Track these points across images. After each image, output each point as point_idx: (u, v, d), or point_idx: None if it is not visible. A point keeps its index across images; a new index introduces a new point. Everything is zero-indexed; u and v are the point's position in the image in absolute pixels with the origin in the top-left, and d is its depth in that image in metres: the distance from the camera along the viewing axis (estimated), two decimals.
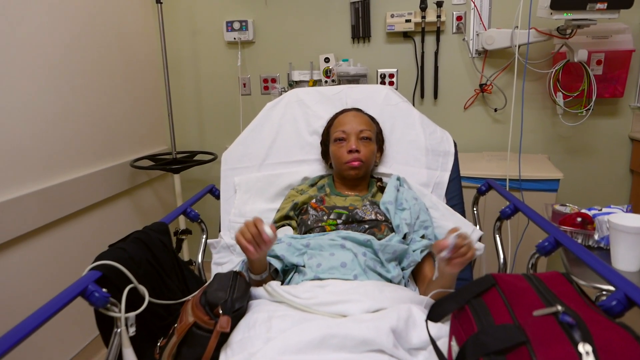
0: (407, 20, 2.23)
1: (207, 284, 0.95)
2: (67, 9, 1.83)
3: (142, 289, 0.95)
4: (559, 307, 0.62)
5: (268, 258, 1.11)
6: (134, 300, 0.92)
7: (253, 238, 0.94)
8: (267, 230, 0.95)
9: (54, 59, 1.75)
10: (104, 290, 0.86)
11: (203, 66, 2.56)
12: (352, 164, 1.29)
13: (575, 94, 2.05)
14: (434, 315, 0.79)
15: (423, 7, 2.20)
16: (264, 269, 1.07)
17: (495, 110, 2.30)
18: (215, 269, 1.39)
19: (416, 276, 1.22)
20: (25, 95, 1.61)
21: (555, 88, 2.07)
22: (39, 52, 1.68)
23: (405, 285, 1.15)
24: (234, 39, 2.44)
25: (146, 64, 2.45)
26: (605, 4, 1.67)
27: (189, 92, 2.61)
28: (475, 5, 2.21)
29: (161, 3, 2.13)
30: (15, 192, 1.55)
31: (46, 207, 1.67)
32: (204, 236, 1.44)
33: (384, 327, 0.76)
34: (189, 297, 1.00)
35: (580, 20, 1.75)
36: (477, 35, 2.22)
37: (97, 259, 0.94)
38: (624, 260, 1.05)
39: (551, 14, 1.73)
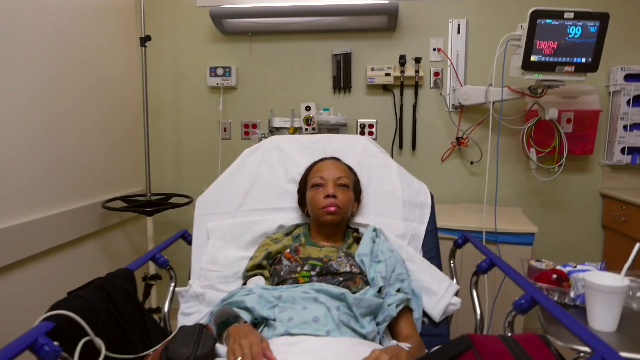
0: (387, 74, 2.30)
1: (170, 337, 0.89)
2: (49, 45, 1.82)
3: (99, 341, 0.89)
4: None
5: (237, 310, 1.05)
6: (90, 355, 0.86)
7: None
8: None
9: (30, 94, 1.72)
10: (56, 343, 0.80)
11: (185, 109, 2.57)
12: (328, 209, 1.27)
13: (547, 150, 2.12)
14: None
15: (402, 62, 2.28)
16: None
17: (472, 163, 2.35)
18: (181, 320, 1.32)
19: (392, 331, 1.18)
20: None
21: (528, 144, 2.14)
22: (15, 86, 1.65)
23: (380, 341, 1.11)
24: (217, 84, 2.47)
25: (127, 104, 2.44)
26: (573, 67, 1.77)
27: (169, 133, 2.59)
28: (451, 63, 2.30)
29: (145, 47, 2.16)
30: None
31: (6, 248, 1.57)
32: (172, 284, 1.38)
33: None
34: (150, 351, 0.93)
35: (549, 81, 1.84)
36: (454, 90, 2.31)
37: (51, 308, 0.87)
38: (600, 320, 1.04)
39: (523, 74, 1.81)
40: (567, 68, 1.77)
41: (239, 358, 0.85)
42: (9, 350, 0.74)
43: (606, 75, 2.22)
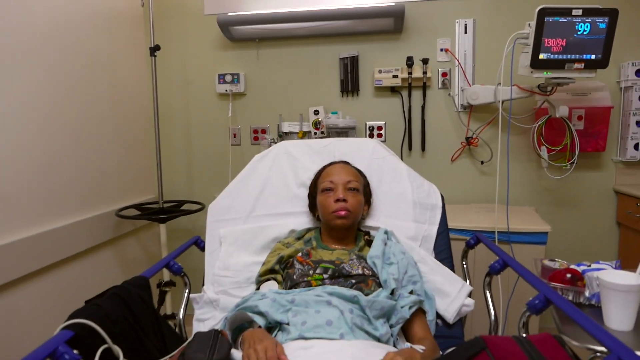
0: (395, 76, 2.30)
1: (186, 343, 0.90)
2: (61, 56, 1.86)
3: (117, 349, 0.90)
4: None
5: (251, 314, 1.06)
6: None
7: None
8: None
9: (43, 105, 1.75)
10: (76, 351, 0.81)
11: (194, 116, 2.60)
12: (339, 213, 1.28)
13: (558, 148, 2.10)
14: None
15: (409, 64, 2.28)
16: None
17: (482, 162, 2.34)
18: (196, 326, 1.33)
19: (406, 333, 1.18)
20: (9, 139, 1.59)
21: (539, 142, 2.12)
22: (29, 97, 1.68)
23: (394, 344, 1.11)
24: (226, 90, 2.49)
25: (137, 113, 2.48)
26: (582, 64, 1.75)
27: (179, 141, 2.62)
28: (459, 63, 2.30)
29: (155, 56, 2.19)
30: None
31: (23, 259, 1.61)
32: (187, 290, 1.40)
33: None
34: (167, 357, 0.95)
35: (559, 79, 1.83)
36: (462, 90, 2.30)
37: (70, 317, 0.89)
38: (616, 319, 1.03)
39: (532, 72, 1.80)
40: (576, 65, 1.75)
41: None
42: (31, 359, 0.76)
43: (617, 71, 2.19)
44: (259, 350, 0.88)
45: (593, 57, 1.74)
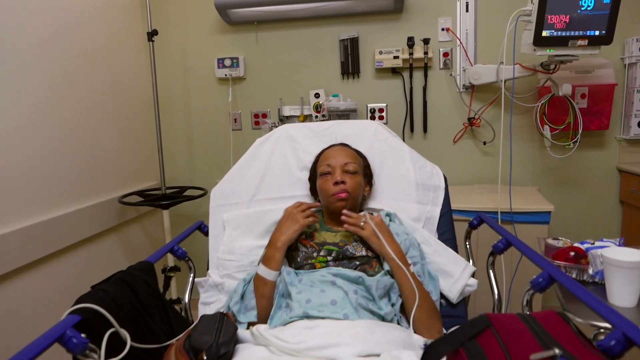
0: (395, 57, 2.28)
1: (192, 326, 0.91)
2: (59, 43, 1.84)
3: (124, 333, 0.91)
4: (557, 351, 0.60)
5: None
6: (116, 345, 0.88)
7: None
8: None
9: (43, 93, 1.75)
10: (83, 335, 0.82)
11: (194, 102, 2.58)
12: (338, 195, 1.27)
13: (561, 127, 2.08)
14: (427, 358, 0.76)
15: (410, 44, 2.26)
16: (282, 262, 1.17)
17: (485, 143, 2.32)
18: (202, 309, 1.34)
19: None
20: (10, 128, 1.58)
21: (542, 121, 2.10)
22: (28, 86, 1.67)
23: (398, 322, 1.12)
24: (225, 75, 2.47)
25: (137, 100, 2.46)
26: (586, 41, 1.72)
27: (180, 127, 2.61)
28: (460, 42, 2.27)
29: (153, 41, 2.16)
30: None
31: (28, 246, 1.62)
32: (192, 274, 1.40)
33: None
34: (173, 340, 0.96)
35: (562, 56, 1.80)
36: (464, 70, 2.27)
37: (77, 302, 0.90)
38: (619, 295, 1.03)
39: (534, 50, 1.78)
40: (580, 42, 1.73)
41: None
42: (39, 343, 0.77)
43: (621, 47, 2.16)
44: (295, 212, 1.20)
45: (597, 33, 1.72)
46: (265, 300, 1.13)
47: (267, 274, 1.14)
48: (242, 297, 1.17)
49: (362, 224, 1.20)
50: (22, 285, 1.61)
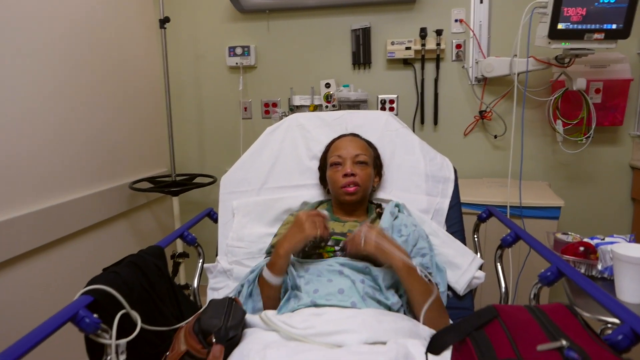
0: (407, 48, 2.26)
1: (201, 310, 0.93)
2: (71, 31, 1.85)
3: (135, 314, 0.93)
4: (564, 342, 0.60)
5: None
6: (126, 327, 0.90)
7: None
8: (326, 213, 1.17)
9: (55, 80, 1.76)
10: (95, 315, 0.84)
11: (205, 90, 2.59)
12: (347, 190, 1.28)
13: (574, 122, 2.06)
14: (434, 347, 0.76)
15: (423, 35, 2.24)
16: (286, 268, 1.11)
17: (495, 137, 2.31)
18: (211, 294, 1.36)
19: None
20: (23, 115, 1.60)
21: (554, 116, 2.08)
22: (40, 72, 1.69)
23: (404, 312, 1.12)
24: (236, 63, 2.47)
25: (148, 87, 2.47)
26: (603, 34, 1.70)
27: (191, 115, 2.62)
28: (474, 34, 2.24)
29: (165, 28, 2.17)
30: (9, 213, 1.53)
31: (41, 229, 1.65)
32: (201, 260, 1.42)
33: None
34: (183, 323, 0.97)
35: (578, 50, 1.77)
36: (477, 63, 2.25)
37: (89, 283, 0.92)
38: (628, 291, 1.03)
39: (549, 43, 1.75)
40: (596, 35, 1.70)
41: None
42: (52, 322, 0.79)
43: (638, 41, 2.12)
44: (305, 219, 1.08)
45: (614, 26, 1.69)
46: (272, 302, 1.11)
47: (271, 278, 1.10)
48: (250, 294, 1.15)
49: (361, 240, 1.07)
50: (34, 267, 1.64)
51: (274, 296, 1.12)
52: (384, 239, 1.08)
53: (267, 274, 1.11)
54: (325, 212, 1.17)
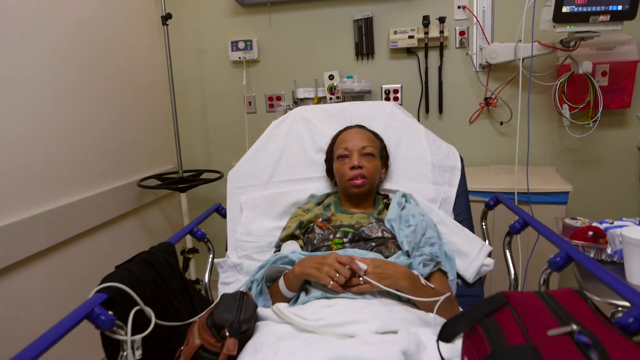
0: (410, 37, 2.24)
1: (213, 304, 0.94)
2: (74, 32, 1.86)
3: (149, 310, 0.94)
4: (574, 327, 0.60)
5: (284, 265, 1.12)
6: (140, 323, 0.91)
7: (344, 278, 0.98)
8: (363, 266, 0.99)
9: (62, 81, 1.78)
10: (110, 312, 0.85)
11: (209, 85, 2.59)
12: (355, 182, 1.28)
13: (581, 106, 2.04)
14: (445, 335, 0.77)
15: (426, 23, 2.22)
16: (299, 285, 1.07)
17: (501, 123, 2.29)
18: (222, 289, 1.38)
19: None
20: (31, 116, 1.63)
21: (560, 100, 2.06)
22: (46, 74, 1.70)
23: (414, 303, 1.13)
24: (239, 58, 2.47)
25: (153, 84, 2.48)
26: (608, 16, 1.67)
27: (195, 111, 2.63)
28: (477, 20, 2.22)
29: (167, 25, 2.17)
30: (22, 214, 1.55)
31: (53, 229, 1.67)
32: (211, 255, 1.44)
33: (394, 349, 0.74)
34: (196, 318, 0.98)
35: (583, 33, 1.75)
36: (481, 49, 2.23)
37: (103, 281, 0.93)
38: (638, 274, 1.03)
39: (554, 27, 1.73)
40: (601, 17, 1.68)
41: (338, 276, 0.96)
42: (69, 320, 0.80)
43: None
44: (331, 263, 0.97)
45: (619, 8, 1.66)
46: (283, 301, 1.09)
47: (286, 292, 1.08)
48: (260, 292, 1.15)
49: (360, 280, 1.00)
50: (48, 267, 1.67)
51: (285, 300, 1.10)
52: (379, 267, 1.01)
53: (282, 287, 1.08)
54: (362, 266, 0.99)
